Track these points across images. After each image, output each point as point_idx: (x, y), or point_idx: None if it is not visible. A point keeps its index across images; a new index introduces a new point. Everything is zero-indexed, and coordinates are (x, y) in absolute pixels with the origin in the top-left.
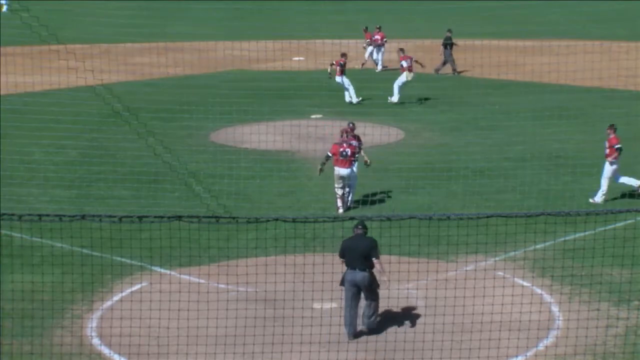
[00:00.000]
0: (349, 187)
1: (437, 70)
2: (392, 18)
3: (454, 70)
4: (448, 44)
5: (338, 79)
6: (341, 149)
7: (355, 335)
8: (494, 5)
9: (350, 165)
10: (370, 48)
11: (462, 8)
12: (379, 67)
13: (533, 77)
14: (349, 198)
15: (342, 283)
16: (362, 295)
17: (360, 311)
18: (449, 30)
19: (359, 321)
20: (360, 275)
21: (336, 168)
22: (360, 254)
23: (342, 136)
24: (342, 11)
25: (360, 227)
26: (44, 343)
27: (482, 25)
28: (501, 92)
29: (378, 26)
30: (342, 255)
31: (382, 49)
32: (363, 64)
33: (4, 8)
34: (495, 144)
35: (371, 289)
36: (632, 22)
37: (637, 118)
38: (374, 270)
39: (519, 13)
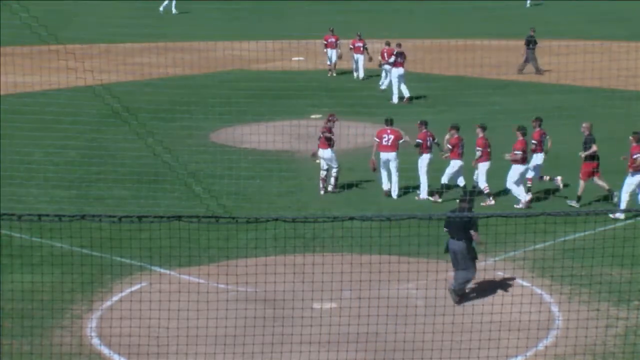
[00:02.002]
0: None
1: (519, 70)
2: (392, 18)
3: (537, 69)
4: (531, 42)
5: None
6: (322, 131)
7: (459, 301)
8: (494, 5)
9: (328, 146)
10: (331, 51)
11: (462, 8)
12: (361, 75)
13: (533, 77)
14: (332, 181)
15: (445, 250)
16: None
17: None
18: (532, 29)
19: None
20: (457, 245)
21: (319, 149)
22: (460, 226)
23: (327, 121)
24: (342, 11)
25: (464, 201)
26: (44, 343)
27: (482, 25)
28: (501, 92)
29: (359, 33)
30: (446, 226)
31: (363, 57)
32: (334, 68)
33: (173, 11)
34: (495, 144)
35: (465, 257)
36: (632, 22)
37: (637, 118)
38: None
39: (519, 13)
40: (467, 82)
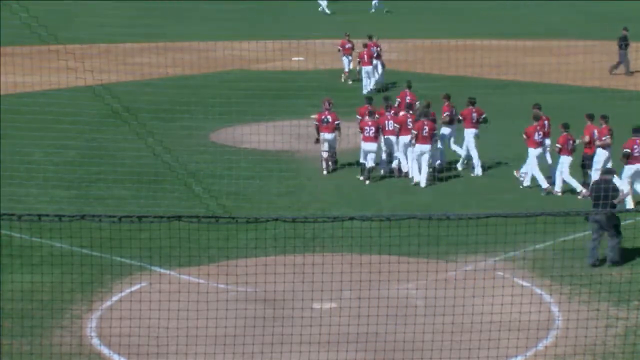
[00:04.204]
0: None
1: (611, 71)
2: (392, 18)
3: (628, 70)
4: (623, 44)
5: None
6: (323, 117)
7: (594, 264)
8: (494, 5)
9: (333, 130)
10: (348, 58)
11: (462, 8)
12: (380, 80)
13: (533, 77)
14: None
15: (586, 219)
16: (606, 232)
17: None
18: (625, 29)
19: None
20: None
21: (321, 133)
22: (605, 196)
23: (324, 105)
24: (342, 11)
25: (607, 173)
26: (43, 343)
27: (482, 25)
28: (501, 92)
29: (369, 35)
30: (590, 196)
31: (379, 62)
32: (349, 75)
33: (327, 11)
34: (494, 144)
35: (610, 225)
36: (632, 22)
37: (637, 118)
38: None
39: (519, 13)
40: (467, 82)
